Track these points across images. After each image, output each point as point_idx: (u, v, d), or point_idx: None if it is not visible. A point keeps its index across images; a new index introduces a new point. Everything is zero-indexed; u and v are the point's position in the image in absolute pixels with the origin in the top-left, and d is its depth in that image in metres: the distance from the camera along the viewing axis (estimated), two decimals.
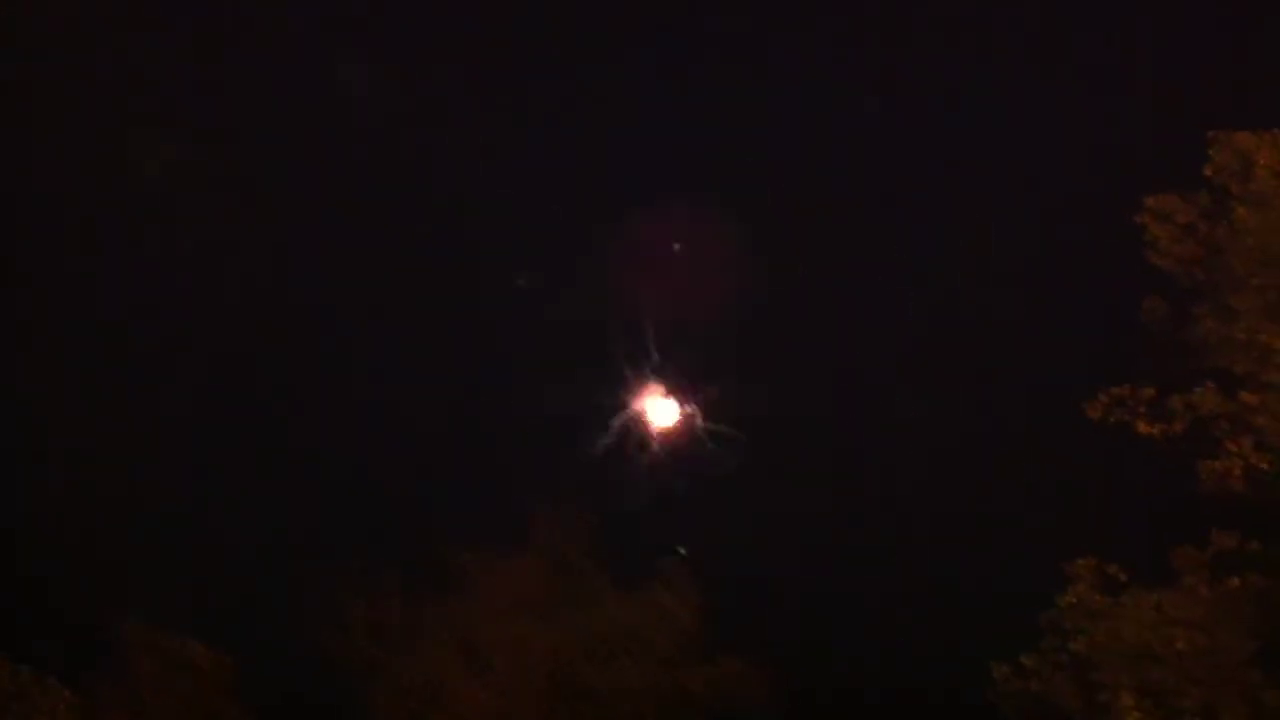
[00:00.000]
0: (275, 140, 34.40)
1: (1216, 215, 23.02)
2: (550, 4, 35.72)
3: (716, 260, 33.94)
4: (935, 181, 33.21)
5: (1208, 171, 23.19)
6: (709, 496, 31.11)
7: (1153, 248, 23.62)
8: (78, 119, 34.08)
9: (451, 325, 33.63)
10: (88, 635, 26.94)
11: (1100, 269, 27.52)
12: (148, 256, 33.22)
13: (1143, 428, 23.49)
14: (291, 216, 33.88)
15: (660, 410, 34.25)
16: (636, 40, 35.63)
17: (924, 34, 34.15)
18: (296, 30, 35.08)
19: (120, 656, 27.03)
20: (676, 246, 35.14)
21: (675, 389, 33.91)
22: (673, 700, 28.12)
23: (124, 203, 33.60)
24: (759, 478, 31.15)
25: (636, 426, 33.60)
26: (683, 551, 29.36)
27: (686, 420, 33.87)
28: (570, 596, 28.38)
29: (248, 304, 33.17)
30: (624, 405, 34.13)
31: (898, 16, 34.41)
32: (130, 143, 33.79)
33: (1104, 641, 23.07)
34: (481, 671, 28.04)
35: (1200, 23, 31.00)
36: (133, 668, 26.99)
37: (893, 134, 33.73)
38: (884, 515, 29.31)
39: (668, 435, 33.74)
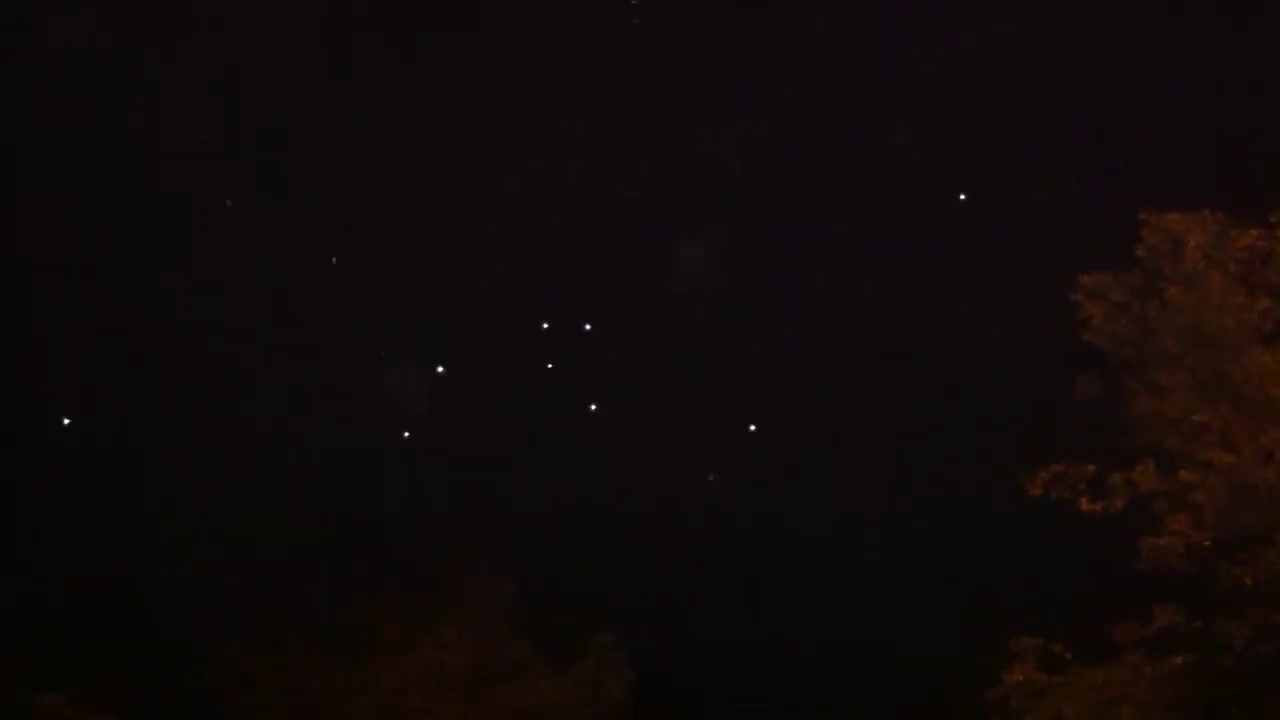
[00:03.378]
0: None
1: (1149, 294, 23.21)
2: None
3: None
4: (870, 266, 33.56)
5: (1140, 251, 23.38)
6: (641, 567, 31.12)
7: (1087, 326, 23.79)
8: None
9: (373, 395, 33.57)
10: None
11: (1040, 346, 27.81)
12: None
13: (1084, 505, 23.56)
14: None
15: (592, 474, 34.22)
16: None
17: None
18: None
19: None
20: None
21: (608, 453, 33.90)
22: None
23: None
24: (691, 551, 31.21)
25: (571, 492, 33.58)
26: None
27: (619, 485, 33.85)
28: (495, 669, 28.19)
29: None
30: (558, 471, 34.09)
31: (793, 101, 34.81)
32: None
33: None
34: None
35: (1132, 102, 31.53)
36: None
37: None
38: (823, 593, 29.41)
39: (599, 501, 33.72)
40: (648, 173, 34.89)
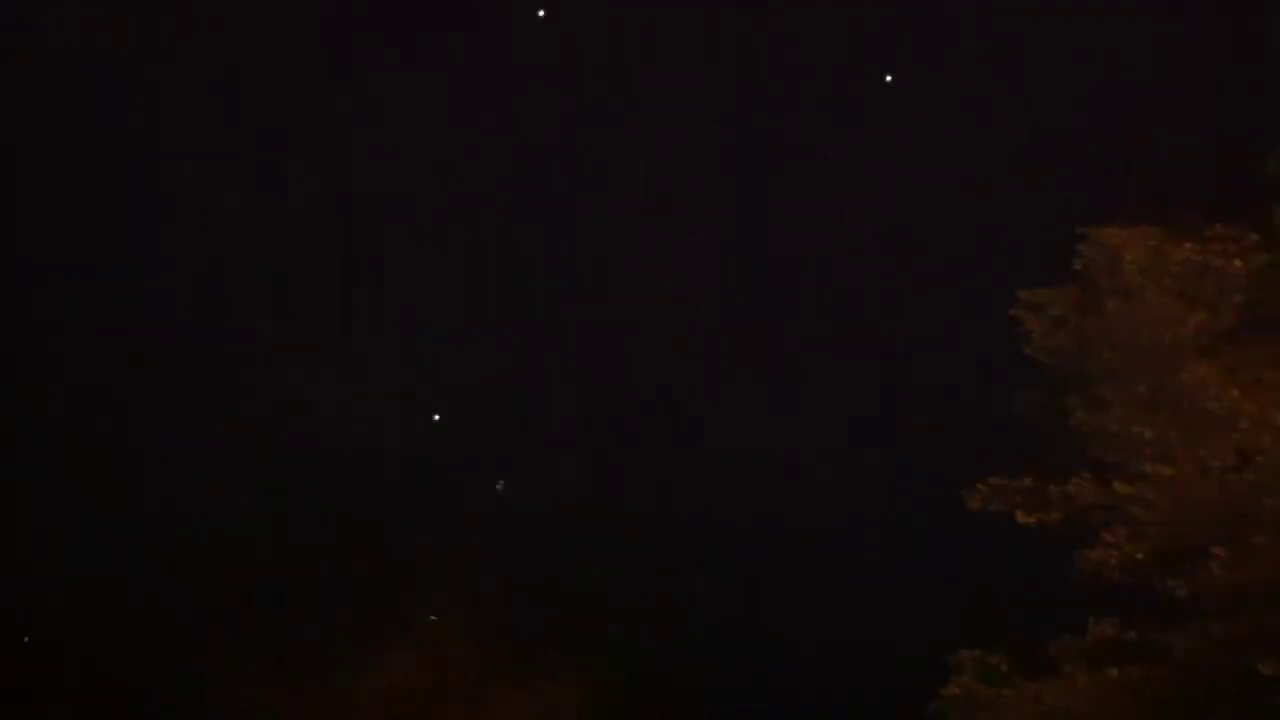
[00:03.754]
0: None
1: (1087, 308, 23.35)
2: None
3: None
4: (821, 265, 33.58)
5: (1078, 265, 23.52)
6: (601, 586, 30.95)
7: (1027, 340, 23.90)
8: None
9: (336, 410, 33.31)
10: None
11: (979, 360, 27.90)
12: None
13: (1021, 517, 23.65)
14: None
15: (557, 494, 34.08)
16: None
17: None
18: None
19: None
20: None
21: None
22: None
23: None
24: (649, 569, 31.12)
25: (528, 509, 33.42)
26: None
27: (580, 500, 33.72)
28: (451, 689, 28.09)
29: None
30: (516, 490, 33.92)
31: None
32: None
33: None
34: None
35: (1073, 117, 31.74)
36: None
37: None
38: (763, 610, 29.41)
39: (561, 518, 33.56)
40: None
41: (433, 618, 28.44)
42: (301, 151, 34.25)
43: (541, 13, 36.21)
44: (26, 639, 29.57)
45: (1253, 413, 21.68)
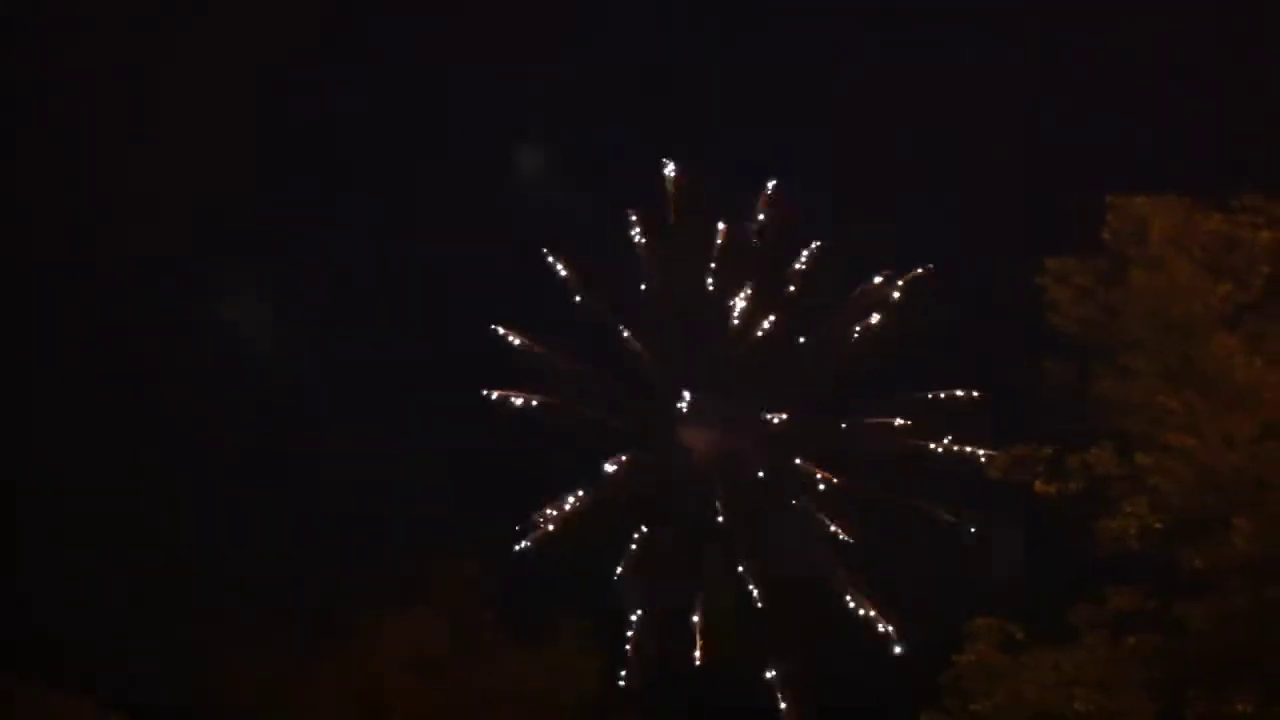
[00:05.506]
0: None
1: (1114, 278, 23.19)
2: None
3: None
4: (854, 235, 33.43)
5: (1105, 235, 23.36)
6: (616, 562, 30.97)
7: (1052, 309, 23.74)
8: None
9: (359, 382, 33.39)
10: None
11: (1001, 329, 27.83)
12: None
13: (1040, 487, 23.55)
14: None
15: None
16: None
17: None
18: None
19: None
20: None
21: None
22: None
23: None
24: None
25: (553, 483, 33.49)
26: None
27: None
28: (470, 652, 28.15)
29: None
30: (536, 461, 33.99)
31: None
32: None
33: (1004, 701, 23.02)
34: None
35: (1102, 90, 31.57)
36: None
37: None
38: (771, 577, 29.41)
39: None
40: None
41: (453, 583, 28.45)
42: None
43: None
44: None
45: (1277, 384, 21.56)
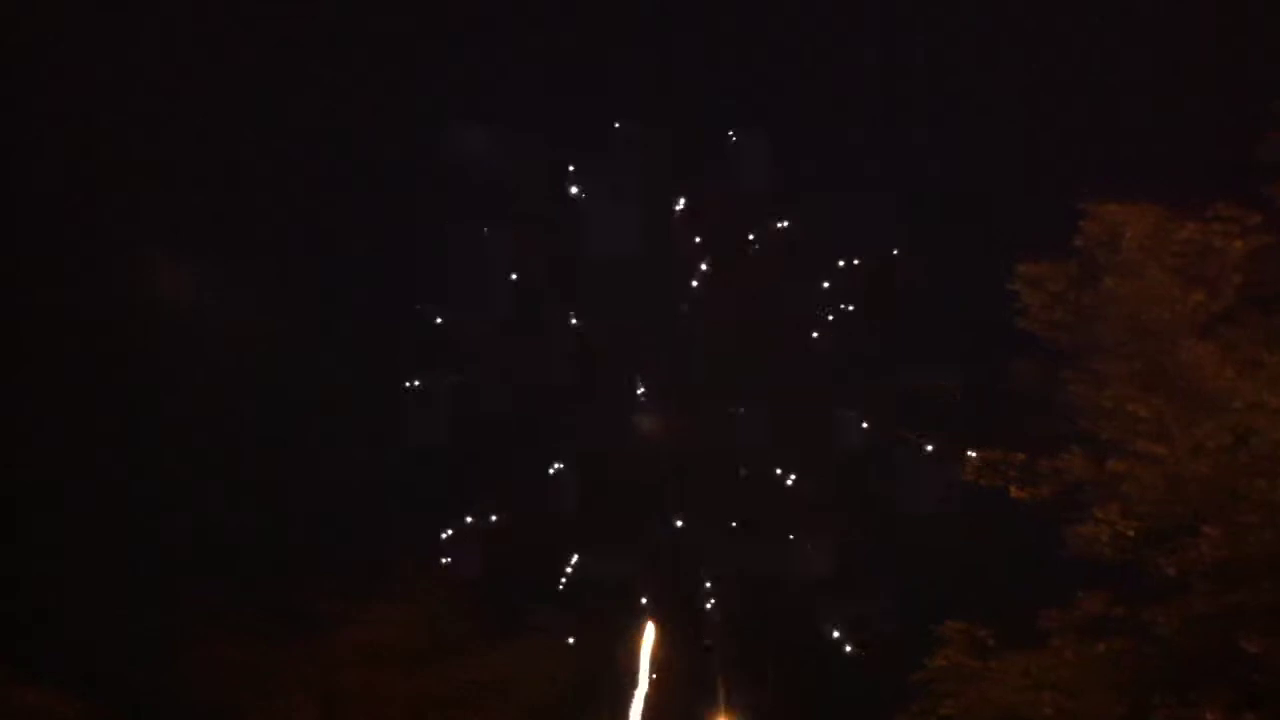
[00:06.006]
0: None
1: (1086, 283, 23.29)
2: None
3: None
4: (827, 236, 33.50)
5: (1078, 241, 23.45)
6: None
7: (1024, 313, 23.83)
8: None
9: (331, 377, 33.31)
10: None
11: (973, 332, 27.93)
12: None
13: (1013, 491, 23.67)
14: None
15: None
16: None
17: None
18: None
19: None
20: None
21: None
22: None
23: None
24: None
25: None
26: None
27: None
28: (437, 645, 28.05)
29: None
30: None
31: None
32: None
33: (973, 705, 23.15)
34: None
35: (1073, 95, 31.70)
36: None
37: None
38: (757, 576, 29.46)
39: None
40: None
41: (422, 576, 28.37)
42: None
43: None
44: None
45: (1248, 393, 21.66)
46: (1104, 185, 24.04)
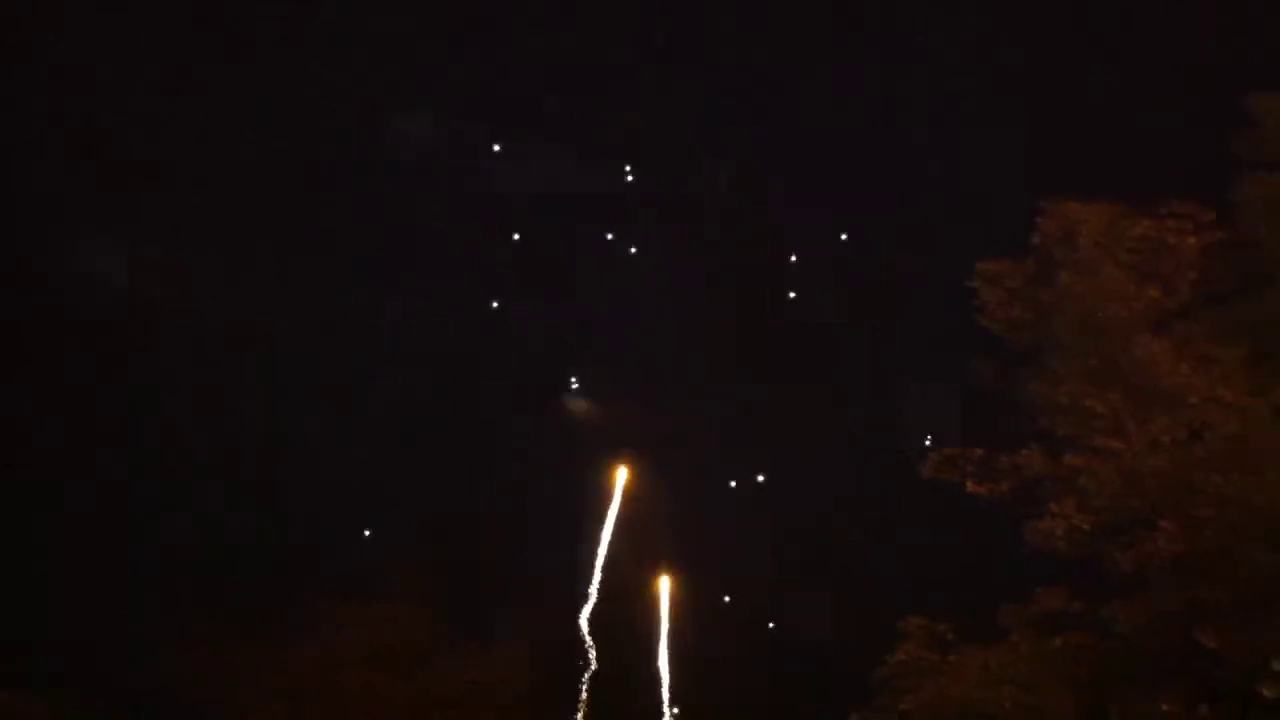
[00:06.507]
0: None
1: (1043, 281, 23.41)
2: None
3: None
4: (788, 234, 33.59)
5: (1035, 238, 23.56)
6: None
7: (982, 311, 23.94)
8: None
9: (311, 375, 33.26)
10: None
11: (933, 331, 28.05)
12: None
13: (971, 487, 23.77)
14: None
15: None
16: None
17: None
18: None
19: None
20: None
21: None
22: None
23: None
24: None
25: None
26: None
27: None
28: (414, 648, 28.08)
29: None
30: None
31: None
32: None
33: (933, 700, 23.23)
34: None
35: (1032, 94, 31.83)
36: None
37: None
38: (718, 573, 29.51)
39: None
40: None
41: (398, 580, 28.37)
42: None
43: None
44: None
45: (1203, 388, 21.84)
46: (1061, 183, 24.22)
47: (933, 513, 25.46)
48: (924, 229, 31.49)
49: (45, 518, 30.43)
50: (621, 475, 32.31)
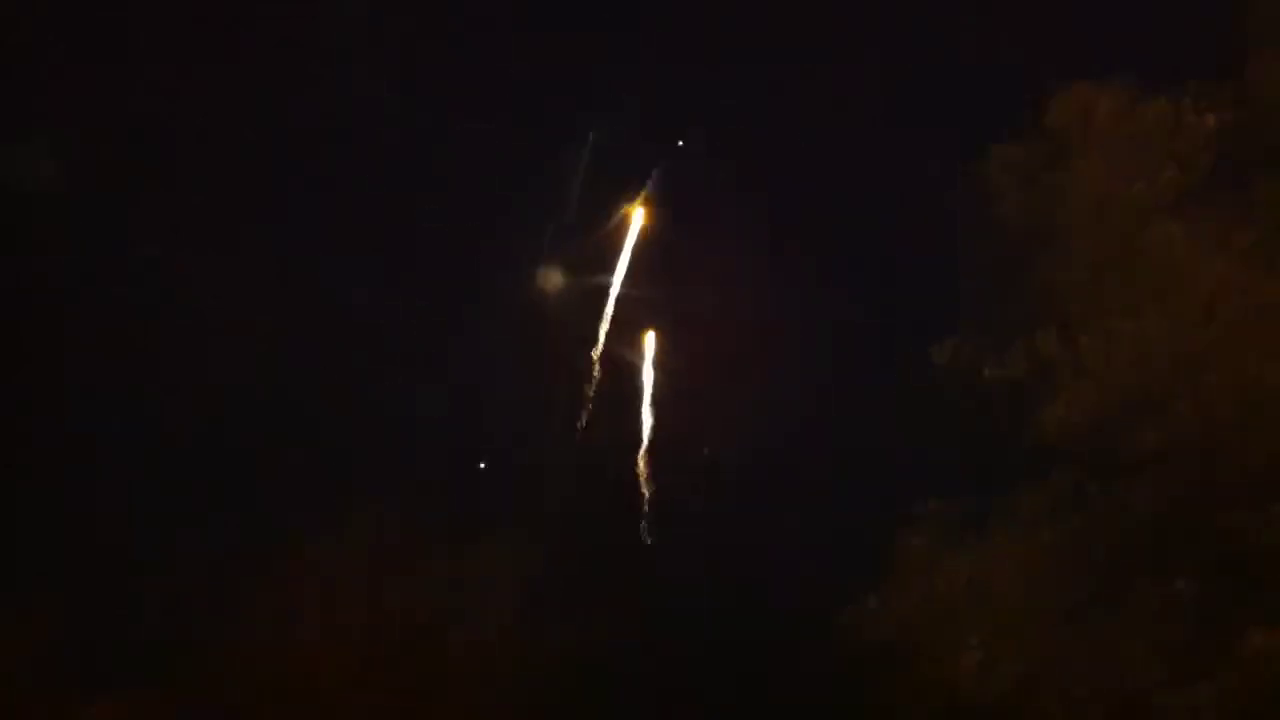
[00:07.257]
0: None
1: (1057, 163, 23.32)
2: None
3: None
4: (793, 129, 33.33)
5: (1049, 121, 23.45)
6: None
7: (996, 195, 23.86)
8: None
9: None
10: None
11: (947, 216, 27.80)
12: None
13: (985, 372, 23.81)
14: None
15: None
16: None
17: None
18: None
19: None
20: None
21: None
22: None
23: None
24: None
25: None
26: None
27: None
28: (419, 550, 28.15)
29: None
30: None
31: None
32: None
33: (945, 586, 23.40)
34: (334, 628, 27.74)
35: None
36: None
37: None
38: (725, 462, 29.45)
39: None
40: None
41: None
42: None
43: None
44: None
45: (1218, 269, 21.82)
46: (1074, 64, 23.99)
47: (945, 397, 25.37)
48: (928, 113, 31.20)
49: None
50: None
